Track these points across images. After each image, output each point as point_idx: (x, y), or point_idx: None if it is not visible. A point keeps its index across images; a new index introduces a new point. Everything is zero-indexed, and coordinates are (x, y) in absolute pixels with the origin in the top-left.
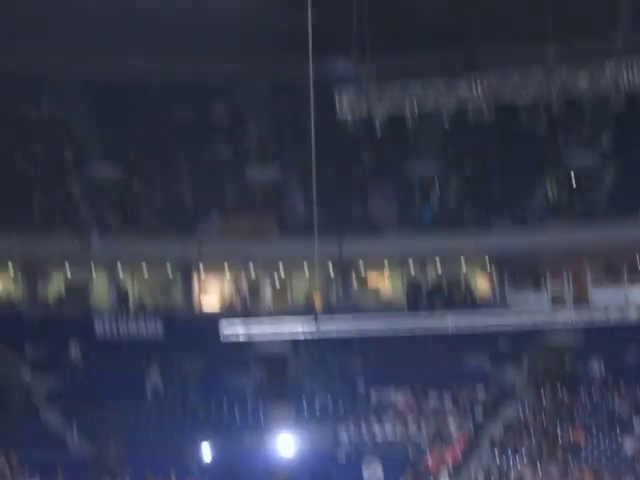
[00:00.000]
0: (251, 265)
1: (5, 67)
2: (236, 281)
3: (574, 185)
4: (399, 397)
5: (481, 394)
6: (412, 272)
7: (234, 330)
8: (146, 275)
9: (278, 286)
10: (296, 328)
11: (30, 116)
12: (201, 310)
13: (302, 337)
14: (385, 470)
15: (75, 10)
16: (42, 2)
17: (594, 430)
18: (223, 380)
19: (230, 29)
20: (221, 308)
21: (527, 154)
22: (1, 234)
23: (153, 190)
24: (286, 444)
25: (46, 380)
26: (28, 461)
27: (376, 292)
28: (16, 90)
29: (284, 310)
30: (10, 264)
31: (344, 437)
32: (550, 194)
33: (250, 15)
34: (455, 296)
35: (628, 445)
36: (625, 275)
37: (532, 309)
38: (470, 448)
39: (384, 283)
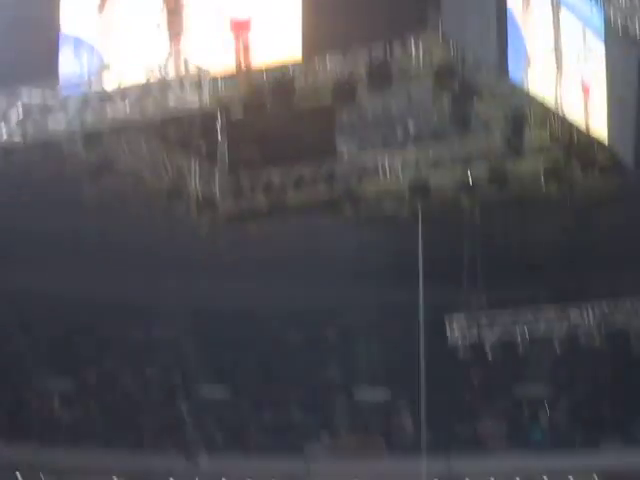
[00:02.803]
0: None
1: (118, 294)
2: None
3: None
4: None
5: None
6: None
7: None
8: None
9: None
10: None
11: (141, 341)
12: None
13: None
14: None
15: (185, 234)
16: (153, 232)
17: None
18: None
19: (343, 258)
20: None
21: (638, 377)
22: (110, 453)
23: (261, 410)
24: None
25: None
26: None
27: None
28: (128, 315)
29: None
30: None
31: None
32: None
33: (363, 247)
34: None
35: None
36: None
37: None
38: None
39: None
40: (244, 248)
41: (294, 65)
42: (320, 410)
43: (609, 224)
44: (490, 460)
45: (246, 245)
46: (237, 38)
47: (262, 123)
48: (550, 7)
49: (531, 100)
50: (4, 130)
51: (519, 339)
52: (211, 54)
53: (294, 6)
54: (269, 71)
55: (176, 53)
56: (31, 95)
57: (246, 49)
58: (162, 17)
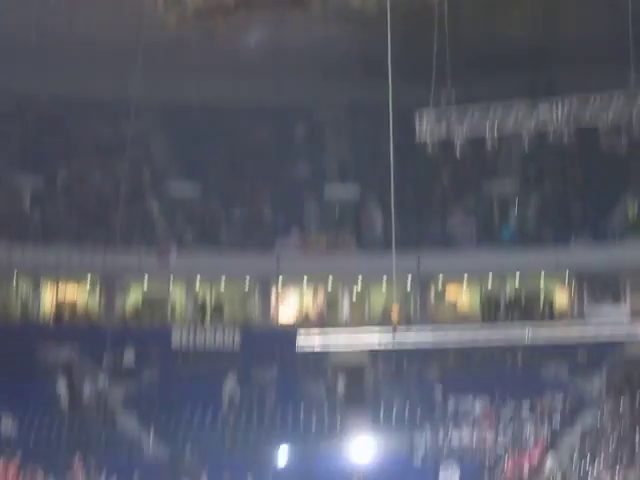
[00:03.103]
0: (329, 279)
1: (86, 91)
2: (314, 294)
3: None
4: (477, 405)
5: (559, 403)
6: (490, 286)
7: (311, 341)
8: (224, 288)
9: (356, 300)
10: (373, 340)
11: (110, 138)
12: (278, 322)
13: (379, 348)
14: (462, 475)
15: (155, 35)
16: (121, 28)
17: None
18: (299, 388)
19: (311, 55)
20: (298, 320)
21: (607, 174)
22: (81, 249)
23: (232, 207)
24: (362, 449)
25: (123, 388)
26: (105, 465)
27: (454, 306)
28: (96, 113)
29: (361, 323)
30: (89, 277)
31: (421, 443)
32: (630, 212)
33: (331, 43)
34: (533, 309)
35: None
36: None
37: (611, 322)
38: (548, 455)
39: (462, 297)
40: (211, 43)
41: None
42: (290, 207)
43: (579, 17)
44: (460, 257)
45: (213, 41)
46: None
47: None
48: None
49: None
50: None
51: (488, 135)
52: None
53: None
54: None
55: None
56: None
57: None
58: None
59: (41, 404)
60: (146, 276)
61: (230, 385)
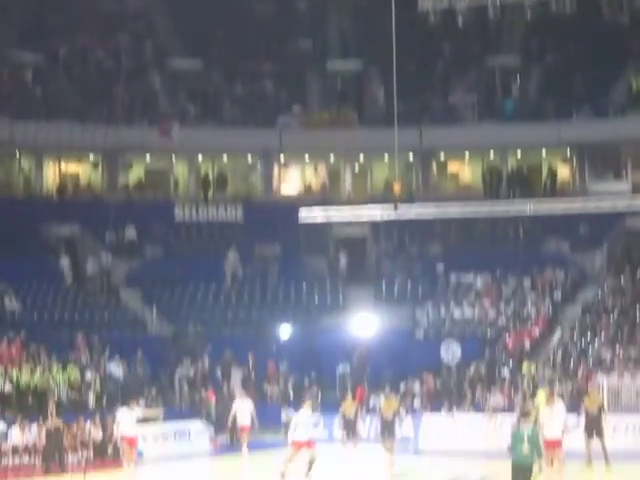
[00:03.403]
0: (331, 155)
1: None
2: (316, 169)
3: None
4: (478, 281)
5: (560, 277)
6: (492, 161)
7: (313, 214)
8: (226, 163)
9: (358, 175)
10: (375, 214)
11: (112, 13)
12: (281, 196)
13: (381, 220)
14: (463, 350)
15: None
16: None
17: None
18: (302, 263)
19: None
20: (301, 195)
21: (609, 48)
22: (84, 126)
23: (234, 83)
24: (364, 324)
25: (126, 264)
26: (109, 342)
27: (456, 179)
28: None
29: (364, 198)
30: (92, 153)
31: (423, 318)
32: (632, 85)
33: None
34: (535, 184)
35: None
36: None
37: (612, 195)
38: (549, 329)
39: (464, 171)
40: None
41: None
42: (292, 82)
43: None
44: (462, 132)
45: None
46: None
47: None
48: None
49: None
50: None
51: (490, 3)
52: None
53: None
54: None
55: None
56: None
57: None
58: None
59: (44, 281)
60: (148, 152)
61: (233, 261)
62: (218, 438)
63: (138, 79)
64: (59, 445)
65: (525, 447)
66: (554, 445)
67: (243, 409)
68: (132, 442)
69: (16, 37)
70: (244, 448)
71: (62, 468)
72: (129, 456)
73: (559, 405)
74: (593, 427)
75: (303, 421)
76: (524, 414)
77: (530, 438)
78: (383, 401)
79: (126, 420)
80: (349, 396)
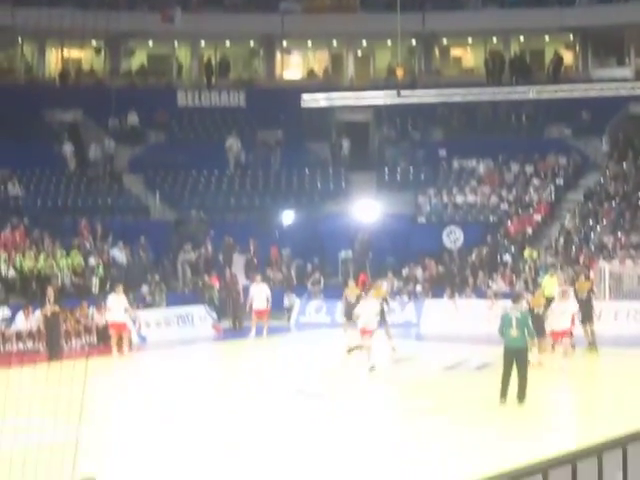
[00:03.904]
0: (334, 40)
1: None
2: (319, 55)
3: None
4: (481, 166)
5: (563, 163)
6: (495, 47)
7: (315, 99)
8: (228, 49)
9: (361, 60)
10: (378, 99)
11: None
12: (283, 82)
13: (383, 104)
14: (465, 235)
15: None
16: None
17: None
18: (305, 148)
19: None
20: (303, 80)
21: None
22: (86, 10)
23: None
24: (367, 210)
25: (129, 150)
26: (111, 227)
27: (458, 65)
28: None
29: (366, 83)
30: (94, 39)
31: (425, 203)
32: None
33: None
34: (538, 69)
35: None
36: None
37: (615, 81)
38: (550, 216)
39: (466, 56)
40: None
41: None
42: None
43: None
44: (464, 17)
45: None
46: None
47: None
48: None
49: None
50: None
51: None
52: None
53: None
54: None
55: None
56: None
57: None
58: None
59: (47, 167)
60: (151, 38)
61: (235, 147)
62: (221, 323)
63: None
64: (57, 331)
65: (514, 331)
66: (563, 334)
67: (260, 293)
68: (121, 327)
69: None
70: (253, 332)
71: (58, 354)
72: (119, 341)
73: (571, 299)
74: (582, 312)
75: (368, 309)
76: (514, 299)
77: (519, 322)
78: (373, 287)
79: (115, 306)
80: (351, 282)
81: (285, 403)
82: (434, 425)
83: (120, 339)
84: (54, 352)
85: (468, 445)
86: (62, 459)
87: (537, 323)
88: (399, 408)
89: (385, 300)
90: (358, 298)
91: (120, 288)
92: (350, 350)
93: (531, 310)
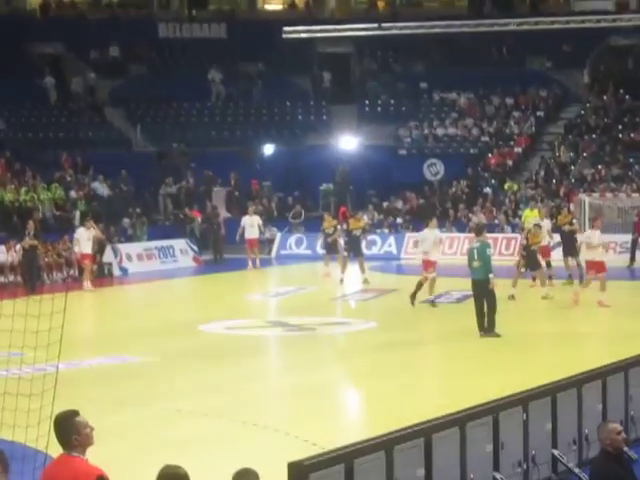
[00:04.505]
0: None
1: None
2: None
3: None
4: (462, 98)
5: (544, 95)
6: None
7: (296, 31)
8: None
9: None
10: (359, 31)
11: None
12: (265, 13)
13: (364, 35)
14: (446, 168)
15: None
16: None
17: None
18: (286, 81)
19: None
20: (285, 12)
21: None
22: None
23: None
24: (348, 142)
25: (110, 82)
26: (93, 161)
27: None
28: None
29: (348, 15)
30: None
31: (406, 136)
32: None
33: None
34: (519, 1)
35: None
36: None
37: (596, 13)
38: (531, 147)
39: None
40: None
41: None
42: None
43: None
44: None
45: None
46: None
47: None
48: None
49: None
50: None
51: None
52: None
53: None
54: None
55: None
56: None
57: None
58: None
59: (28, 100)
60: None
61: (217, 79)
62: (202, 256)
63: None
64: (35, 264)
65: (475, 262)
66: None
67: (252, 224)
68: (89, 258)
69: None
70: (256, 262)
71: (37, 287)
72: (89, 272)
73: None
74: (565, 245)
75: (429, 239)
76: (476, 231)
77: (479, 253)
78: (351, 219)
79: (84, 238)
80: (327, 214)
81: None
82: (419, 356)
83: (90, 271)
84: (32, 285)
85: (451, 374)
86: (42, 390)
87: (532, 258)
88: (379, 341)
89: (363, 232)
90: (335, 230)
91: (90, 223)
92: (415, 293)
93: (528, 246)
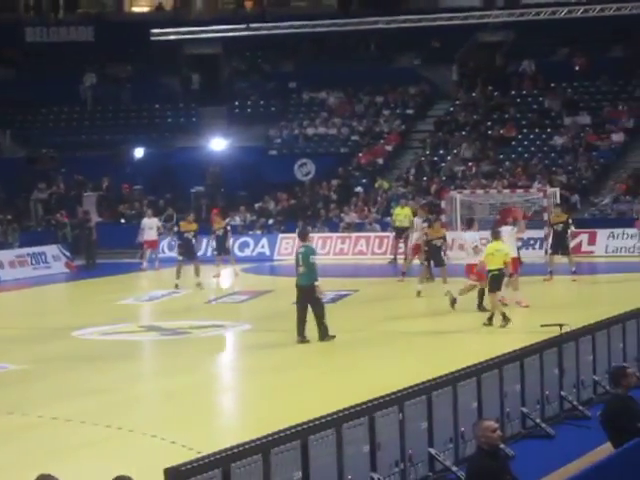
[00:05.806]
0: None
1: None
2: None
3: None
4: (331, 97)
5: (413, 93)
6: None
7: (164, 33)
8: None
9: None
10: (227, 32)
11: None
12: (132, 15)
13: (233, 36)
14: (317, 166)
15: None
16: None
17: (525, 126)
18: (155, 83)
19: None
20: (152, 14)
21: None
22: None
23: None
24: (218, 143)
25: None
26: None
27: None
28: None
29: (215, 15)
30: None
31: (276, 136)
32: None
33: None
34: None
35: (557, 141)
36: None
37: (463, 10)
38: (402, 145)
39: None
40: None
41: None
42: None
43: None
44: None
45: None
46: None
47: None
48: None
49: None
50: None
51: None
52: None
53: None
54: None
55: None
56: None
57: None
58: None
59: None
60: None
61: (86, 82)
62: (75, 262)
63: None
64: None
65: (300, 268)
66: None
67: (151, 226)
68: None
69: None
70: (145, 264)
71: None
72: None
73: None
74: (555, 242)
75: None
76: (301, 236)
77: (303, 258)
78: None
79: None
80: (189, 217)
81: None
82: (294, 357)
83: None
84: None
85: (328, 372)
86: None
87: (436, 254)
88: (254, 342)
89: (226, 231)
90: (195, 234)
91: None
92: (452, 296)
93: (429, 242)
